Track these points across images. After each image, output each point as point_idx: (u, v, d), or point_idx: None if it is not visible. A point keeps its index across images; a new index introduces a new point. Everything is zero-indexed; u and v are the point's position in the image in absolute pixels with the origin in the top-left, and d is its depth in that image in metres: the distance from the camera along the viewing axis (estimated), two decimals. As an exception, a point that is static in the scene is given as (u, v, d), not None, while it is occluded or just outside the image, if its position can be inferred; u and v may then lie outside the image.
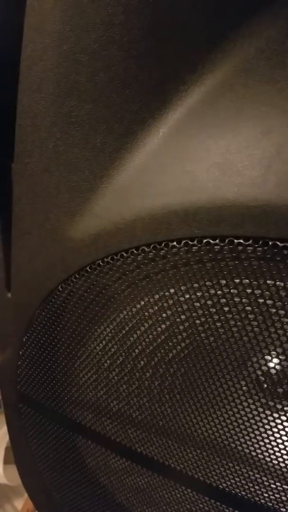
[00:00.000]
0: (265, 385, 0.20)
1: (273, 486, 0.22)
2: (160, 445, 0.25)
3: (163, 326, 0.21)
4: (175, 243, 0.19)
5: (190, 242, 0.19)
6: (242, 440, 0.21)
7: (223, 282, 0.19)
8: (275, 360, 0.19)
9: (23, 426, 0.33)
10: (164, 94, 0.19)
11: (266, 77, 0.18)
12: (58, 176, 0.22)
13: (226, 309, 0.19)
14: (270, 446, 0.21)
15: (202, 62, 0.19)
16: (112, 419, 0.26)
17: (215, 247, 0.18)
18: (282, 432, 0.20)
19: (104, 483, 0.30)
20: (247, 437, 0.21)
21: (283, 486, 0.21)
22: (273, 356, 0.19)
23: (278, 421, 0.20)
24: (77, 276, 0.23)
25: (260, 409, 0.20)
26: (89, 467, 0.30)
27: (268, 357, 0.19)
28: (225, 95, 0.18)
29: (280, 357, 0.19)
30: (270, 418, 0.20)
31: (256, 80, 0.18)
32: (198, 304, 0.20)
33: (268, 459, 0.21)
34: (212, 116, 0.18)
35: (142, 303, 0.22)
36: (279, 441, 0.20)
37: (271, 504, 0.22)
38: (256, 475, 0.22)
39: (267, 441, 0.21)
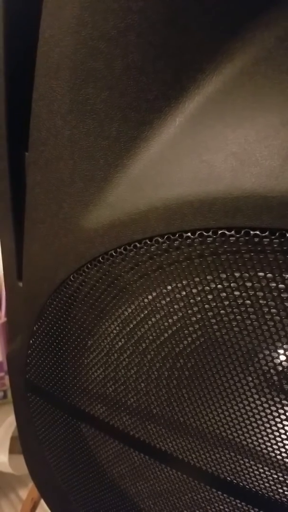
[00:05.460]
0: (276, 379, 0.20)
1: (281, 479, 0.22)
2: (168, 436, 0.25)
3: (175, 317, 0.21)
4: (189, 234, 0.19)
5: (205, 233, 0.18)
6: (251, 433, 0.21)
7: (238, 274, 0.18)
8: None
9: (31, 415, 0.33)
10: (181, 82, 0.19)
11: (286, 66, 0.17)
12: (72, 165, 0.22)
13: (239, 301, 0.19)
14: (280, 439, 0.21)
15: (221, 51, 0.18)
16: (120, 409, 0.26)
17: (231, 238, 0.18)
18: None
19: (111, 473, 0.30)
20: (256, 430, 0.21)
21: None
22: (287, 350, 0.19)
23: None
24: (89, 266, 0.23)
25: (271, 402, 0.20)
26: (96, 457, 0.30)
27: (281, 351, 0.19)
28: (244, 85, 0.18)
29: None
30: (281, 411, 0.20)
31: (276, 69, 0.17)
32: (211, 297, 0.19)
33: (277, 452, 0.21)
34: (230, 105, 0.18)
35: (154, 294, 0.21)
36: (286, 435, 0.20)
37: (278, 497, 0.22)
38: (265, 468, 0.22)
39: (277, 434, 0.21)
